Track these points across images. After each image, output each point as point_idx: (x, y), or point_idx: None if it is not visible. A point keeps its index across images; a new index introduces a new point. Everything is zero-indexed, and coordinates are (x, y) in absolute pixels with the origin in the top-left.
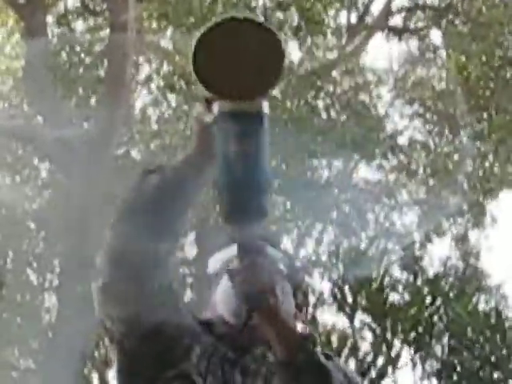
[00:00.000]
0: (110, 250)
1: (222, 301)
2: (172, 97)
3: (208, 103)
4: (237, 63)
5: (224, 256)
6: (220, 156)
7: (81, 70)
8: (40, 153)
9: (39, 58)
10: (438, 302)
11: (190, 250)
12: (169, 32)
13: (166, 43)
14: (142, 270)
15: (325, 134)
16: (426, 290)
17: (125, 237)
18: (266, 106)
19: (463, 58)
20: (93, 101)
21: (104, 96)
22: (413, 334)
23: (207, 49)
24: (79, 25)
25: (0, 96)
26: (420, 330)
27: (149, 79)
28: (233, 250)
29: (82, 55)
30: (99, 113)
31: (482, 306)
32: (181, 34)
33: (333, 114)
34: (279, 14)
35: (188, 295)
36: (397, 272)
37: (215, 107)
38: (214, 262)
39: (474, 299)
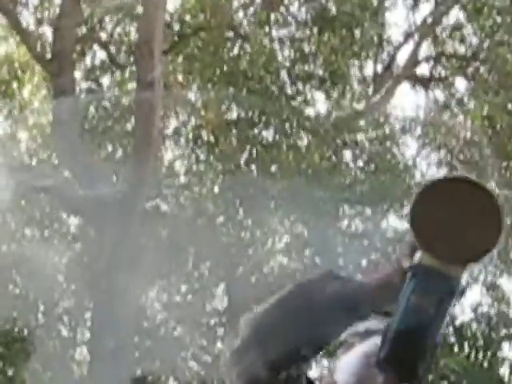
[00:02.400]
0: (253, 334)
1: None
2: (200, 150)
3: (411, 250)
4: (452, 224)
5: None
6: (401, 301)
7: (109, 124)
8: (69, 207)
9: (67, 114)
10: (466, 350)
11: (221, 301)
12: (195, 86)
13: (192, 96)
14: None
15: (353, 184)
16: (453, 338)
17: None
18: (465, 276)
19: (489, 107)
20: (121, 155)
21: (133, 150)
22: None
23: (424, 206)
24: (106, 79)
25: (29, 151)
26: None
27: (176, 132)
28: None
29: (110, 110)
30: (128, 167)
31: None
32: (206, 87)
33: (360, 163)
34: (304, 66)
35: (218, 346)
36: None
37: (417, 255)
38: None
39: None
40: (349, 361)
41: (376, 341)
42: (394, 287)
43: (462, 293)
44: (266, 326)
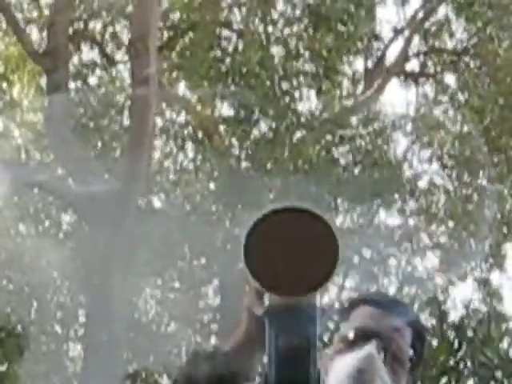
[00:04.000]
0: None
1: None
2: (194, 146)
3: (258, 294)
4: (288, 256)
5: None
6: (269, 350)
7: (102, 121)
8: (63, 204)
9: (61, 110)
10: (465, 347)
11: (214, 297)
12: (188, 82)
13: (182, 93)
14: None
15: (344, 180)
16: (452, 335)
17: None
18: (318, 300)
19: (480, 101)
20: (114, 151)
21: (127, 146)
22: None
23: (257, 240)
24: (99, 75)
25: (22, 148)
26: (448, 376)
27: (170, 129)
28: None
29: (103, 106)
30: (122, 163)
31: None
32: (200, 84)
33: (351, 159)
34: (295, 63)
35: (212, 342)
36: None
37: (266, 299)
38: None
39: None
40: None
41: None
42: (257, 338)
43: (324, 313)
44: None
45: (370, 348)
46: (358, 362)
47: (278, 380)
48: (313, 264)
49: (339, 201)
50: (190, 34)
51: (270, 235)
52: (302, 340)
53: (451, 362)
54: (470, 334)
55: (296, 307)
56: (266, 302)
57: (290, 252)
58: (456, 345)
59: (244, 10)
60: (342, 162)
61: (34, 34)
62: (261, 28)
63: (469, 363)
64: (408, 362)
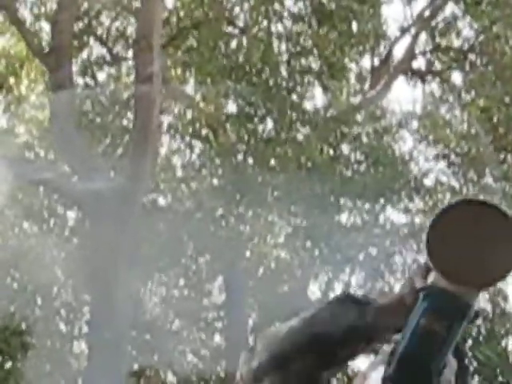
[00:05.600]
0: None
1: None
2: (198, 143)
3: (426, 270)
4: (468, 247)
5: None
6: (410, 322)
7: (107, 118)
8: (68, 201)
9: (65, 107)
10: (468, 345)
11: (219, 295)
12: (193, 80)
13: (191, 90)
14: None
15: (350, 178)
16: None
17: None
18: (478, 302)
19: (486, 99)
20: (119, 148)
21: (131, 143)
22: None
23: (441, 228)
24: (104, 72)
25: (27, 145)
26: None
27: (175, 126)
28: None
29: (108, 103)
30: (127, 160)
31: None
32: (205, 81)
33: (358, 157)
34: (301, 61)
35: (217, 339)
36: None
37: (430, 276)
38: None
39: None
40: None
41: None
42: (407, 308)
43: (476, 317)
44: (284, 351)
45: None
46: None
47: (404, 353)
48: (491, 260)
49: (344, 199)
50: (195, 31)
51: (455, 223)
52: (443, 328)
53: None
54: (473, 332)
55: (455, 298)
56: (429, 281)
57: (471, 243)
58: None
59: (247, 6)
60: (347, 159)
61: (39, 32)
62: (264, 25)
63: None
64: None
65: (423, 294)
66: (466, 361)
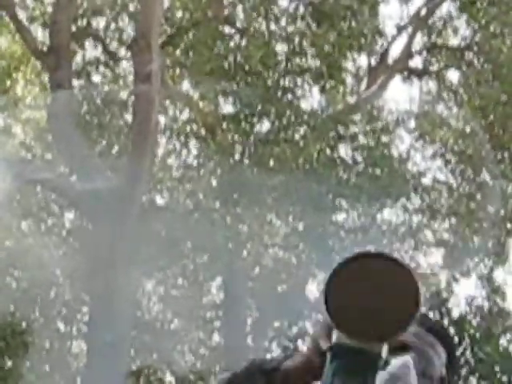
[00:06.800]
0: None
1: None
2: (196, 143)
3: (328, 328)
4: (368, 301)
5: None
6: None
7: (105, 118)
8: (66, 201)
9: (64, 107)
10: (465, 342)
11: (217, 294)
12: (191, 79)
13: (186, 90)
14: None
15: (347, 177)
16: (452, 330)
17: None
18: (385, 351)
19: (483, 98)
20: (117, 148)
21: (130, 143)
22: None
23: (338, 284)
24: (102, 72)
25: (25, 145)
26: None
27: (173, 126)
28: None
29: (106, 103)
30: (124, 161)
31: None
32: (203, 81)
33: (355, 156)
34: (300, 60)
35: (215, 339)
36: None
37: (334, 334)
38: None
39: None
40: None
41: None
42: (316, 369)
43: (386, 364)
44: None
45: (407, 358)
46: (393, 368)
47: None
48: (392, 311)
49: (342, 199)
50: (193, 31)
51: (352, 278)
52: (357, 383)
53: None
54: (471, 330)
55: (362, 352)
56: (333, 338)
57: (370, 297)
58: (456, 340)
59: (245, 6)
60: (345, 159)
61: (37, 32)
62: (264, 25)
63: (469, 358)
64: (439, 380)
65: (331, 355)
66: (456, 353)
